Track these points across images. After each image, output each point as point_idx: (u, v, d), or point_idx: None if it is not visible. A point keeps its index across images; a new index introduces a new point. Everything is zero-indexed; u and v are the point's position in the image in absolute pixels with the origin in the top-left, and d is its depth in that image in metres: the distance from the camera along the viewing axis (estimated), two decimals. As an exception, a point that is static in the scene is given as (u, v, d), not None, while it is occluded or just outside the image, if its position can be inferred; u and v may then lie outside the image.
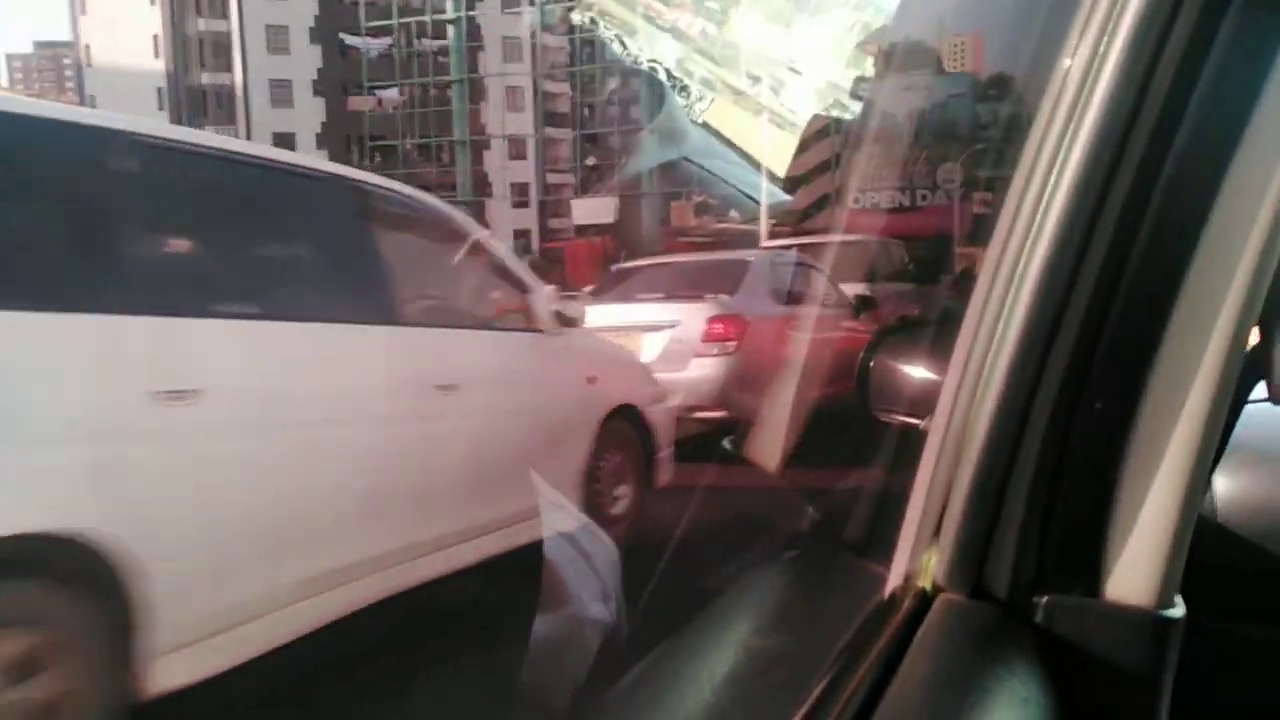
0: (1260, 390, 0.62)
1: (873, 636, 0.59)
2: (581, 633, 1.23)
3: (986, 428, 0.57)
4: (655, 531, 3.19)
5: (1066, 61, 0.57)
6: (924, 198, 25.27)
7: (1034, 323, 0.56)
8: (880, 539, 0.66)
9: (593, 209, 24.30)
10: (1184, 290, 0.53)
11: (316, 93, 43.64)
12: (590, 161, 42.35)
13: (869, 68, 26.38)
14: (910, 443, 0.65)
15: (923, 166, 25.12)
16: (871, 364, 0.96)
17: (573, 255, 27.99)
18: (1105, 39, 0.54)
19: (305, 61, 43.27)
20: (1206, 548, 1.02)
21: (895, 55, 26.09)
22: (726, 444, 4.57)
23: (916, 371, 0.84)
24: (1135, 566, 0.55)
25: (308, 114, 43.26)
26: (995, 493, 0.57)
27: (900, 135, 26.02)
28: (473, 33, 35.53)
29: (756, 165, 29.61)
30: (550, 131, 44.74)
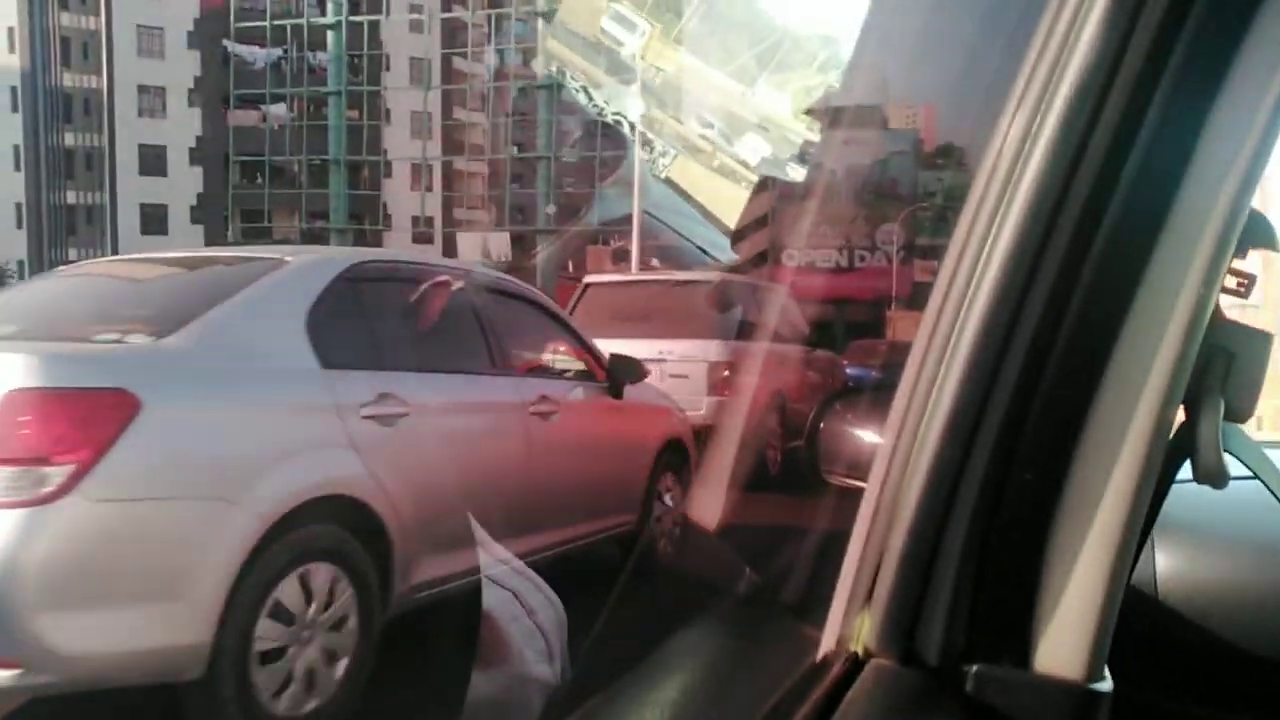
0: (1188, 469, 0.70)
1: (800, 701, 0.62)
2: (524, 693, 1.26)
3: (918, 495, 0.62)
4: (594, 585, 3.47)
5: (1001, 134, 0.64)
6: (862, 258, 26.23)
7: (966, 393, 0.61)
8: (817, 602, 0.69)
9: (481, 246, 23.74)
10: (1111, 367, 0.59)
11: (192, 103, 42.73)
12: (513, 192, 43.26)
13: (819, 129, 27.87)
14: (853, 505, 0.70)
15: (861, 226, 26.05)
16: (821, 425, 1.04)
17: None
18: (1040, 112, 0.61)
19: (182, 68, 42.41)
20: (1148, 625, 1.13)
21: (838, 111, 27.31)
22: (667, 499, 4.94)
23: (864, 434, 0.92)
24: (1063, 639, 0.60)
25: (181, 126, 42.20)
26: (926, 559, 0.62)
27: (838, 191, 27.07)
28: (377, 49, 35.65)
29: (716, 222, 30.67)
30: (463, 163, 45.52)
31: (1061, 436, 0.60)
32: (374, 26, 38.33)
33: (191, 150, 42.04)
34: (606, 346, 5.27)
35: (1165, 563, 1.17)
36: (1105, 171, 0.59)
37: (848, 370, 10.81)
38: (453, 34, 42.55)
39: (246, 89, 40.12)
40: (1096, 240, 0.59)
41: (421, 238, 39.71)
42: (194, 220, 41.56)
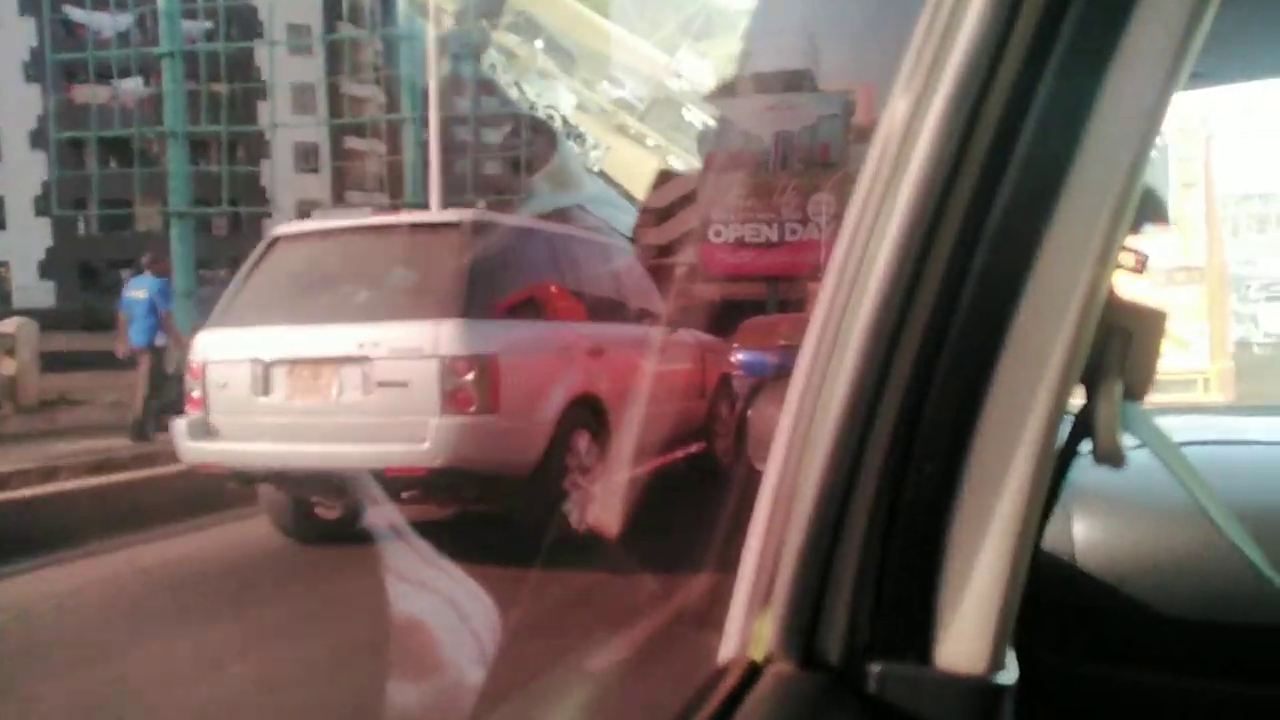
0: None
1: (695, 711, 0.64)
2: (457, 698, 1.32)
3: (813, 493, 0.64)
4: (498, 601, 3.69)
5: (891, 115, 0.66)
6: (794, 231, 26.57)
7: (859, 383, 0.64)
8: (718, 608, 0.72)
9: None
10: (1007, 351, 0.62)
11: (30, 78, 40.77)
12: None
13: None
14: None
15: (792, 197, 26.40)
16: (750, 413, 1.08)
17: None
18: (928, 91, 0.64)
19: (14, 37, 40.46)
20: (1067, 591, 1.23)
21: (761, 77, 27.55)
22: (568, 506, 5.24)
23: None
24: (965, 632, 0.63)
25: (19, 104, 40.26)
26: (824, 558, 0.64)
27: (766, 161, 27.23)
28: (249, 18, 34.51)
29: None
30: (353, 142, 44.41)
31: (959, 424, 0.63)
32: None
33: (32, 133, 40.22)
34: (275, 340, 4.89)
35: (1082, 531, 1.26)
36: (996, 151, 0.62)
37: (740, 356, 10.42)
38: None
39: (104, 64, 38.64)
40: (988, 222, 0.62)
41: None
42: (39, 212, 39.77)
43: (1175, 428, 1.50)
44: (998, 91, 0.62)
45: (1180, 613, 1.20)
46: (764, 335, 11.68)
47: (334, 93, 41.07)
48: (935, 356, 0.63)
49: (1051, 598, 1.20)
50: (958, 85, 0.63)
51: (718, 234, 26.42)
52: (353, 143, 45.64)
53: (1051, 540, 1.27)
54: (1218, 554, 1.15)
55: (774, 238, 26.39)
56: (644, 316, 6.83)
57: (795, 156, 27.04)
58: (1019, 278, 0.62)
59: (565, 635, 3.32)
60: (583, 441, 5.34)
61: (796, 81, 27.00)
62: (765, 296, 23.04)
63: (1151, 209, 0.69)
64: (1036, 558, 1.21)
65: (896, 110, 0.66)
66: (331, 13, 41.60)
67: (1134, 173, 0.62)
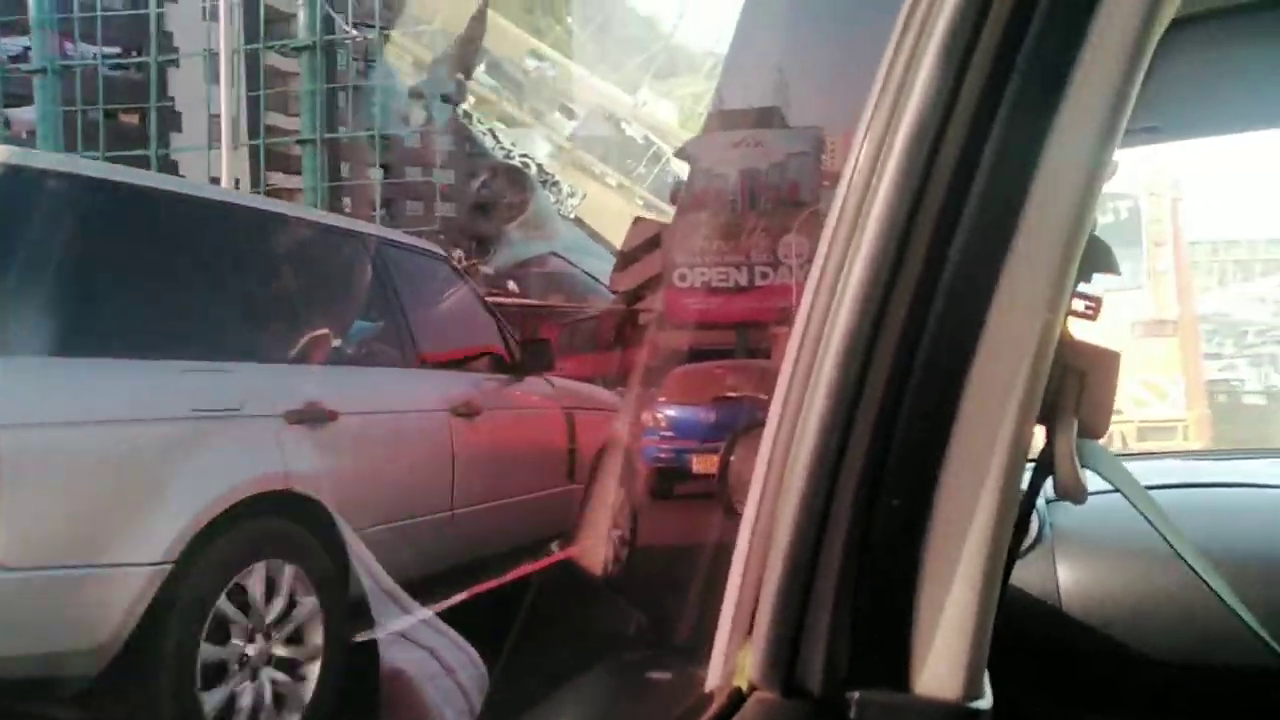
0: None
1: None
2: None
3: (790, 526, 0.72)
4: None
5: (849, 168, 0.75)
6: (764, 275, 26.60)
7: (829, 423, 0.71)
8: (703, 639, 0.78)
9: None
10: (967, 392, 0.70)
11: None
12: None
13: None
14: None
15: (760, 239, 26.47)
16: (732, 458, 1.20)
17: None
18: (885, 144, 0.72)
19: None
20: (1052, 634, 1.32)
21: (726, 115, 27.78)
22: (555, 546, 5.05)
23: None
24: (941, 659, 0.69)
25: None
26: (802, 589, 0.71)
27: (733, 201, 27.30)
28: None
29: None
30: (277, 179, 43.96)
31: (924, 462, 0.70)
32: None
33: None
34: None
35: (1066, 575, 1.35)
36: (949, 203, 0.71)
37: (667, 412, 10.49)
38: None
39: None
40: (945, 271, 0.71)
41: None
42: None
43: (1147, 471, 1.62)
44: (949, 144, 0.70)
45: (1162, 656, 1.28)
46: (700, 386, 10.93)
47: (253, 120, 40.53)
48: (899, 399, 0.71)
49: (1037, 641, 1.30)
50: (911, 140, 0.71)
51: (683, 278, 26.41)
52: (275, 179, 45.46)
53: (1036, 583, 1.36)
54: (1196, 596, 1.21)
55: (743, 282, 26.31)
56: (467, 360, 4.91)
57: (764, 196, 26.93)
58: (975, 324, 0.69)
59: (552, 666, 3.54)
60: (265, 584, 3.15)
61: (765, 119, 27.05)
62: (734, 345, 23.16)
63: (1099, 258, 0.77)
64: (1021, 601, 1.26)
65: (854, 163, 0.75)
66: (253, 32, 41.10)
67: (1079, 221, 0.70)
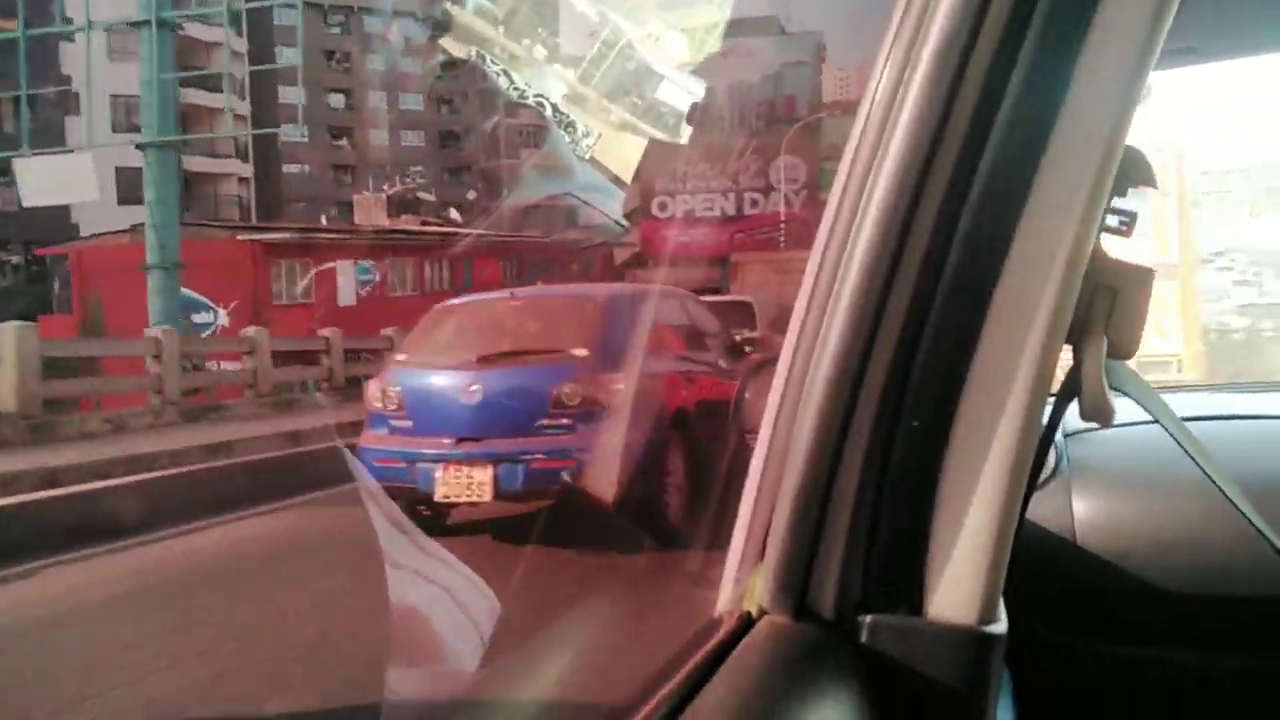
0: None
1: (689, 657, 0.73)
2: (456, 691, 1.48)
3: (806, 447, 0.74)
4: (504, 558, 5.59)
5: (876, 78, 0.76)
6: (754, 203, 26.07)
7: (849, 343, 0.73)
8: (714, 564, 0.81)
9: (52, 179, 17.53)
10: (993, 309, 0.71)
11: None
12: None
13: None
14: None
15: (751, 161, 25.83)
16: (747, 392, 1.28)
17: (88, 265, 27.84)
18: (912, 54, 0.74)
19: None
20: (1069, 568, 1.39)
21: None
22: (566, 475, 6.08)
23: None
24: (956, 583, 0.72)
25: None
26: (817, 512, 0.74)
27: (719, 118, 26.59)
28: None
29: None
30: (201, 163, 42.38)
31: (946, 382, 0.72)
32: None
33: None
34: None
35: (1082, 508, 1.40)
36: (980, 111, 0.72)
37: (401, 382, 7.17)
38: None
39: None
40: (975, 182, 0.72)
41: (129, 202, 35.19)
42: None
43: (1172, 405, 1.62)
44: (981, 52, 0.71)
45: (1181, 587, 1.33)
46: (478, 333, 7.02)
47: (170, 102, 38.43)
48: (923, 316, 0.72)
49: (1053, 574, 1.36)
50: (940, 48, 0.72)
51: (663, 207, 26.04)
52: (200, 164, 43.38)
53: (1052, 517, 1.40)
54: (1217, 527, 1.27)
55: (731, 210, 25.85)
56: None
57: (754, 112, 26.08)
58: (1004, 237, 0.71)
59: (565, 591, 4.37)
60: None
61: (762, 29, 26.36)
62: (718, 283, 22.52)
63: (1137, 171, 0.77)
64: (1037, 534, 1.28)
65: (879, 76, 0.76)
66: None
67: (1117, 132, 0.71)
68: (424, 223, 36.42)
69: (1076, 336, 0.77)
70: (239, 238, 29.70)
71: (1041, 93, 0.71)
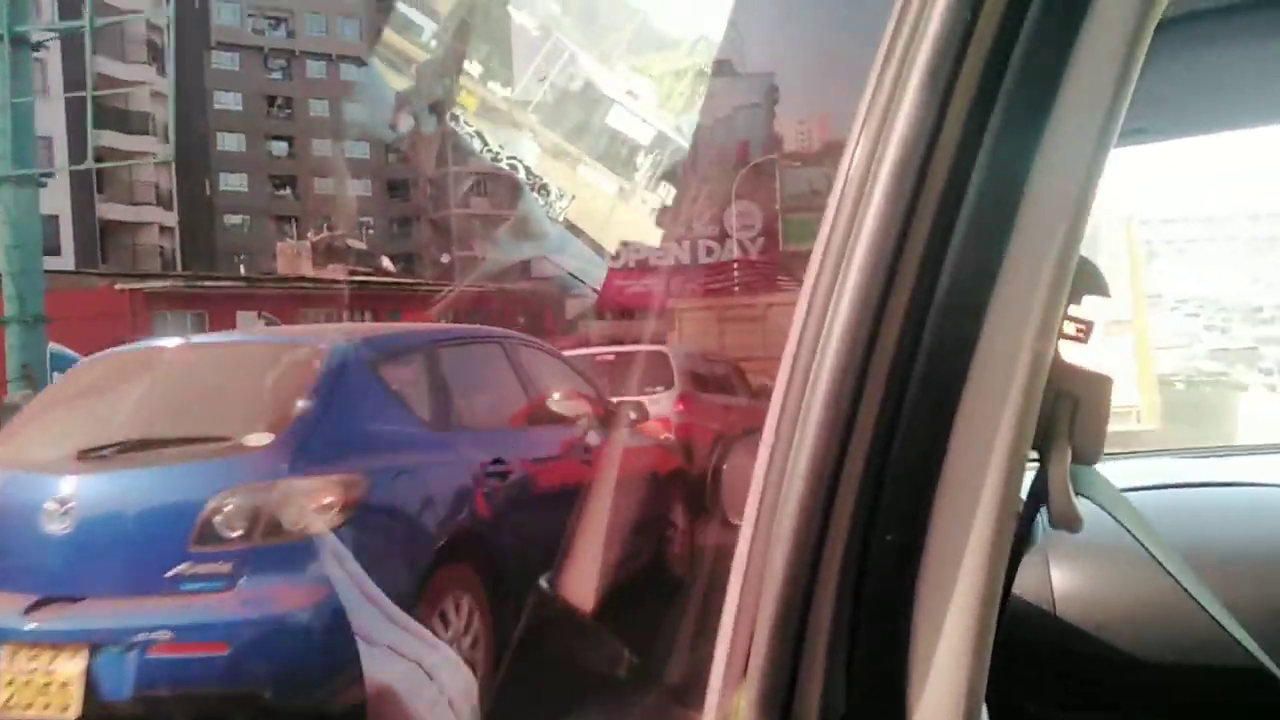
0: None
1: None
2: None
3: (784, 562, 0.76)
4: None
5: (837, 195, 0.80)
6: (709, 251, 26.05)
7: (822, 454, 0.76)
8: (698, 678, 0.83)
9: None
10: (959, 420, 0.75)
11: None
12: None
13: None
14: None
15: (704, 207, 25.77)
16: (725, 467, 1.40)
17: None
18: (871, 168, 0.78)
19: None
20: (1046, 638, 1.41)
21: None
22: (543, 581, 5.25)
23: None
24: (938, 695, 0.74)
25: None
26: (797, 626, 0.76)
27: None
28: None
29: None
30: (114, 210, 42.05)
31: (918, 494, 0.75)
32: None
33: None
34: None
35: (1060, 578, 1.45)
36: (938, 228, 0.76)
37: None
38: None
39: None
40: (935, 297, 0.76)
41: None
42: None
43: (1130, 472, 1.75)
44: (937, 169, 0.76)
45: (1157, 658, 1.37)
46: (97, 416, 4.61)
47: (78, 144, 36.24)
48: (892, 428, 0.76)
49: (1031, 645, 1.39)
50: (898, 165, 0.76)
51: (617, 256, 25.90)
52: (117, 211, 43.05)
53: (1030, 587, 1.44)
54: (1191, 600, 1.31)
55: (685, 259, 26.03)
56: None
57: (706, 157, 26.00)
58: (966, 353, 0.75)
59: (545, 707, 3.86)
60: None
61: (713, 71, 26.73)
62: (666, 334, 22.33)
63: (1090, 281, 0.82)
64: (1017, 604, 1.30)
65: (842, 186, 0.80)
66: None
67: (1069, 246, 0.75)
68: (351, 272, 35.82)
69: (1041, 443, 0.81)
70: (118, 287, 27.89)
71: (995, 206, 0.75)
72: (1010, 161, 0.75)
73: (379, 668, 1.58)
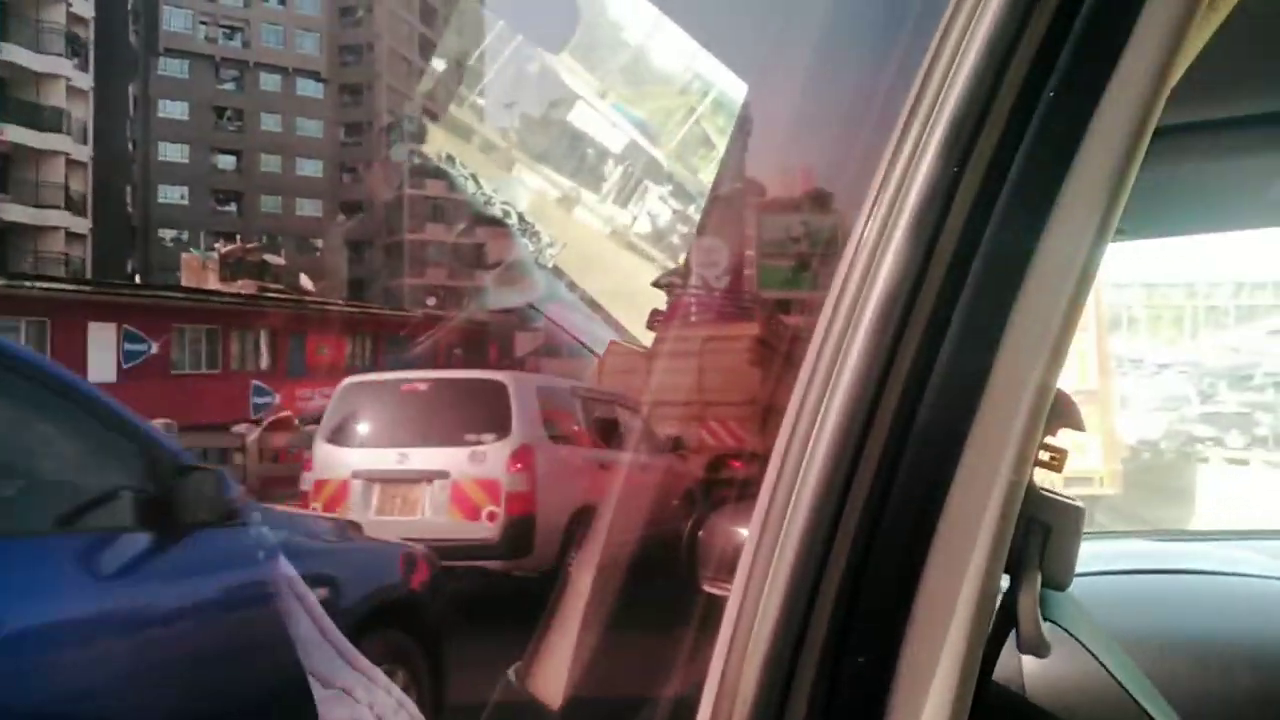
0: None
1: None
2: None
3: (754, 684, 0.80)
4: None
5: (834, 291, 0.84)
6: (669, 287, 25.73)
7: (797, 580, 0.81)
8: None
9: None
10: (936, 542, 0.79)
11: None
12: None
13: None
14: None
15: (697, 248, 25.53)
16: (701, 531, 1.43)
17: None
18: (860, 298, 0.82)
19: None
20: None
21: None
22: (511, 674, 5.37)
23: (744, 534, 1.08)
24: None
25: None
26: (781, 690, 0.80)
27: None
28: None
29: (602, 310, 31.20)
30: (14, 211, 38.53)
31: (891, 618, 0.79)
32: None
33: None
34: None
35: (1031, 666, 1.45)
36: (920, 359, 0.80)
37: None
38: None
39: None
40: (917, 421, 0.80)
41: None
42: None
43: (1116, 553, 1.83)
44: (920, 309, 0.80)
45: None
46: None
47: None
48: (867, 552, 0.80)
49: None
50: (884, 301, 0.81)
51: (572, 288, 25.25)
52: (17, 213, 38.56)
53: (1002, 675, 1.40)
54: (1162, 688, 1.32)
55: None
56: None
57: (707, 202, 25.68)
58: (945, 474, 0.78)
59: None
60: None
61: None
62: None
63: (1066, 415, 0.87)
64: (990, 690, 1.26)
65: (831, 313, 0.84)
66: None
67: (1046, 380, 0.79)
68: (261, 289, 34.05)
69: (1013, 567, 0.85)
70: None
71: (977, 340, 0.80)
72: (996, 288, 0.79)
73: (332, 708, 1.62)
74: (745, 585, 0.84)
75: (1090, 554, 1.52)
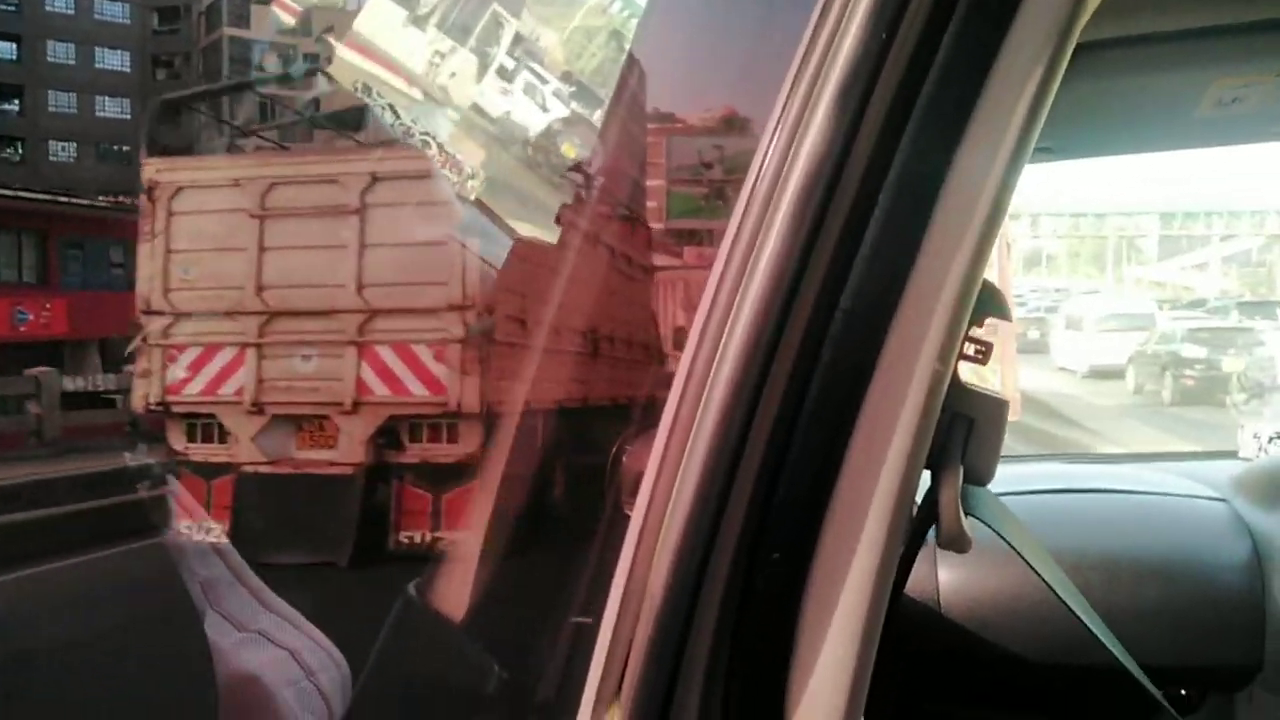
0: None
1: None
2: None
3: (665, 579, 0.82)
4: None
5: (744, 191, 0.87)
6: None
7: (710, 470, 0.82)
8: (570, 698, 0.87)
9: None
10: (855, 438, 0.82)
11: None
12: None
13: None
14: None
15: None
16: (625, 455, 1.23)
17: None
18: (779, 182, 0.84)
19: None
20: (934, 638, 1.59)
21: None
22: (412, 589, 5.69)
23: None
24: (818, 713, 0.81)
25: None
26: (676, 646, 0.82)
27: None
28: None
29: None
30: None
31: (807, 511, 0.82)
32: None
33: None
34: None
35: (946, 576, 1.57)
36: (842, 244, 0.82)
37: None
38: None
39: None
40: (837, 312, 0.82)
41: None
42: None
43: (1030, 475, 1.95)
44: (848, 178, 0.82)
45: (1034, 656, 1.51)
46: None
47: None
48: (786, 446, 0.82)
49: (920, 644, 1.51)
50: (811, 172, 0.82)
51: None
52: None
53: (918, 585, 1.56)
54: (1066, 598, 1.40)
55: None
56: None
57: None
58: (865, 368, 0.81)
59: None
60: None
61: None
62: None
63: (992, 303, 0.90)
64: (906, 603, 1.43)
65: (747, 200, 0.86)
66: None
67: (974, 267, 0.82)
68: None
69: (935, 462, 0.88)
70: None
71: (902, 227, 0.82)
72: (920, 180, 0.81)
73: (252, 654, 1.63)
74: (656, 477, 0.85)
75: (1004, 476, 1.61)
